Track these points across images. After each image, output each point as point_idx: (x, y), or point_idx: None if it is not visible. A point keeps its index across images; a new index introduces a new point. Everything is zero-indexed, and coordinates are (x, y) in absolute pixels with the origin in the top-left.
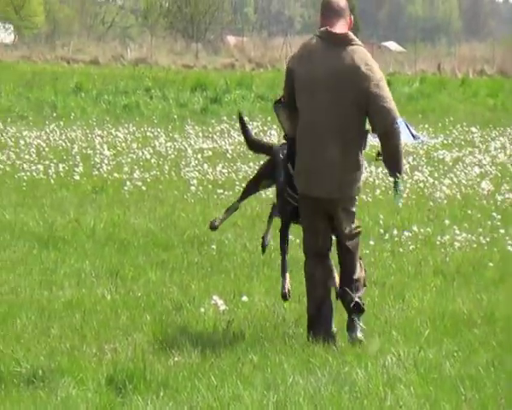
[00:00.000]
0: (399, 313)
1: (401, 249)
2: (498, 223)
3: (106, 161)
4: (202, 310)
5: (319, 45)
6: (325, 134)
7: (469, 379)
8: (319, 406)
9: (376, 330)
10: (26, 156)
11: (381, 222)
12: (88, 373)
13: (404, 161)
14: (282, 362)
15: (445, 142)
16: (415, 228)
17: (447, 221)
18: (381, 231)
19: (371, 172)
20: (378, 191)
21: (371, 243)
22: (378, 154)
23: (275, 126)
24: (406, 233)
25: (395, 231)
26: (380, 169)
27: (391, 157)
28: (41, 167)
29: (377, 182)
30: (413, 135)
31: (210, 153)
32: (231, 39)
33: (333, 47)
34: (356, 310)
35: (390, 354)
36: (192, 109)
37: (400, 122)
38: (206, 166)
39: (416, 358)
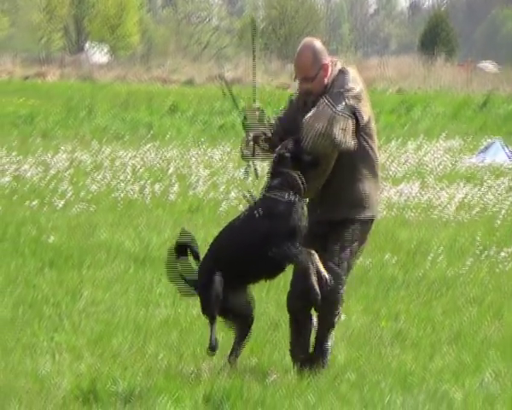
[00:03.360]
0: (497, 331)
1: (499, 268)
2: None
3: (201, 181)
4: None
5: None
6: None
7: None
8: None
9: (474, 348)
10: (122, 176)
11: (477, 241)
12: (185, 392)
13: None
14: (380, 381)
15: None
16: None
17: None
18: (478, 250)
19: (467, 192)
20: (475, 211)
21: (468, 262)
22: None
23: None
24: (504, 252)
25: (492, 251)
26: (476, 189)
27: None
28: (136, 187)
29: (473, 202)
30: (509, 155)
31: None
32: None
33: None
34: None
35: (488, 372)
36: None
37: (497, 142)
38: None
39: None
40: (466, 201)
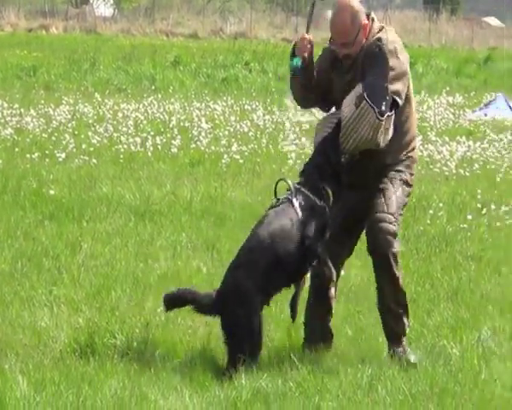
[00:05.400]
0: (495, 287)
1: (498, 224)
2: None
3: (203, 134)
4: None
5: None
6: None
7: None
8: (413, 379)
9: (472, 304)
10: (124, 129)
11: (478, 196)
12: (182, 346)
13: None
14: (377, 336)
15: None
16: None
17: None
18: (479, 205)
19: (469, 147)
20: (476, 166)
21: (469, 217)
22: None
23: None
24: (504, 208)
25: (493, 206)
26: (478, 144)
27: None
28: (138, 140)
29: (475, 156)
30: None
31: (308, 126)
32: (330, 14)
33: None
34: None
35: (485, 328)
36: None
37: (499, 97)
38: (304, 139)
39: (511, 332)
40: (467, 156)
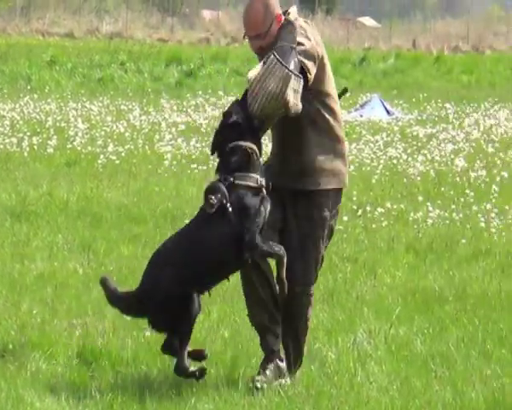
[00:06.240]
0: (371, 289)
1: (374, 226)
2: (471, 200)
3: (80, 135)
4: None
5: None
6: None
7: (440, 356)
8: (289, 382)
9: (348, 306)
10: (0, 129)
11: (354, 198)
12: (58, 347)
13: None
14: (253, 337)
15: (419, 118)
16: (388, 204)
17: (420, 198)
18: (354, 207)
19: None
20: (352, 167)
21: (344, 218)
22: None
23: None
24: (379, 209)
25: (368, 208)
26: (353, 145)
27: None
28: (14, 140)
29: (350, 158)
30: (387, 111)
31: (184, 127)
32: (207, 14)
33: None
34: None
35: (361, 330)
36: (167, 83)
37: (374, 97)
38: (180, 140)
39: (386, 334)
40: None
